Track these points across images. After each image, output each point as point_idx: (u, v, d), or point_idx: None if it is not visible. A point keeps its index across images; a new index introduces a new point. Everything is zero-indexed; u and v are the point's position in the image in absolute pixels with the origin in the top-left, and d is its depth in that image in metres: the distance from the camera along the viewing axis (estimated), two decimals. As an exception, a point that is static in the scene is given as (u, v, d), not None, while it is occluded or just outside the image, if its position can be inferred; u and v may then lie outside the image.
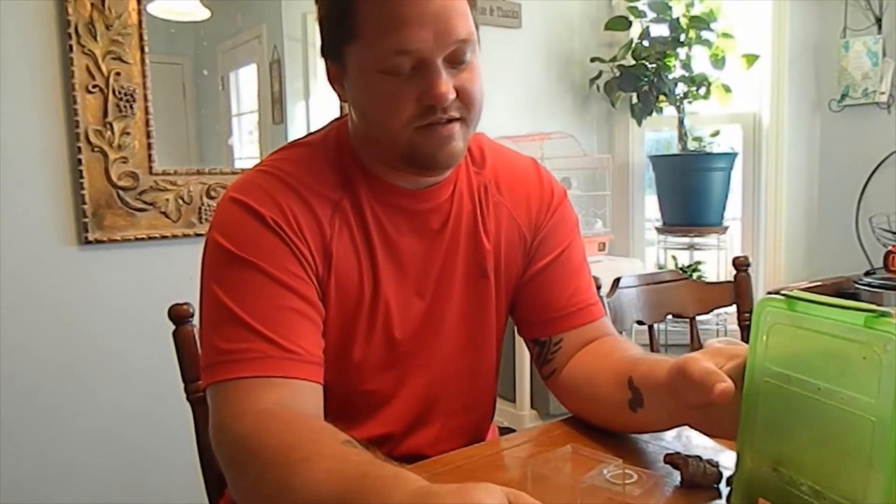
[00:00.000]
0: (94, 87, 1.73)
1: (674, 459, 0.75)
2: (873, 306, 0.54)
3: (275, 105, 2.14)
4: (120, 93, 1.76)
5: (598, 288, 1.34)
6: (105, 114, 1.74)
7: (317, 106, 2.19)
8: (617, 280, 1.50)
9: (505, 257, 0.94)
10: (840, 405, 0.54)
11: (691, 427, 0.76)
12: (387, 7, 0.74)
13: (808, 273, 2.62)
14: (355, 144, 0.87)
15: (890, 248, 1.17)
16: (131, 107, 1.77)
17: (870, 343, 0.52)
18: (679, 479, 0.74)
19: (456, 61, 0.78)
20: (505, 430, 1.00)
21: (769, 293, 1.89)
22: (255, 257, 0.76)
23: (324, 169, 0.84)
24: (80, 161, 1.72)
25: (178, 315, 1.06)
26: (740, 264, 1.60)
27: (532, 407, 2.40)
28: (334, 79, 0.84)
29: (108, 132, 1.75)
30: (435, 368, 0.91)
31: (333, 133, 0.88)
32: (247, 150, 2.13)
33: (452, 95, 0.77)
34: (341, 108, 2.15)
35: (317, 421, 0.72)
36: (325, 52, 0.83)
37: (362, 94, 0.80)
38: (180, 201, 1.87)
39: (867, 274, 2.24)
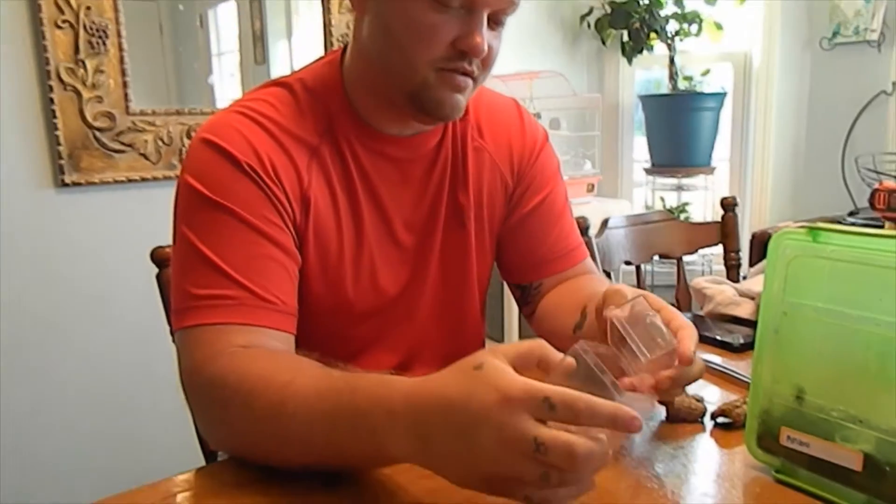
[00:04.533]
0: (64, 21, 1.65)
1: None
2: None
3: (256, 44, 2.07)
4: (91, 28, 1.68)
5: (587, 229, 1.34)
6: (77, 50, 1.68)
7: (300, 45, 2.13)
8: (605, 221, 1.49)
9: (487, 204, 0.93)
10: (879, 331, 0.56)
11: None
12: None
13: (793, 213, 2.63)
14: (348, 81, 0.83)
15: (876, 186, 1.17)
16: (104, 43, 1.71)
17: None
18: (665, 413, 0.75)
19: (496, 21, 0.77)
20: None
21: (754, 234, 1.90)
22: (230, 202, 0.74)
23: (303, 112, 0.81)
24: (52, 100, 1.66)
25: (161, 258, 1.05)
26: (728, 204, 1.60)
27: (519, 347, 2.42)
28: None
29: (81, 70, 1.69)
30: (417, 318, 0.91)
31: (316, 74, 0.85)
32: (229, 92, 2.07)
33: (486, 50, 0.76)
34: (325, 47, 2.09)
35: (291, 353, 0.72)
36: None
37: (397, 15, 0.76)
38: (160, 142, 1.83)
39: (851, 214, 2.25)
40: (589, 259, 1.00)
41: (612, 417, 0.49)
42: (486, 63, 0.79)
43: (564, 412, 0.48)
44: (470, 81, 0.78)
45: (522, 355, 0.53)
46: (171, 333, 0.97)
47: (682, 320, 0.68)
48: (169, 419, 1.66)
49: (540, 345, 0.55)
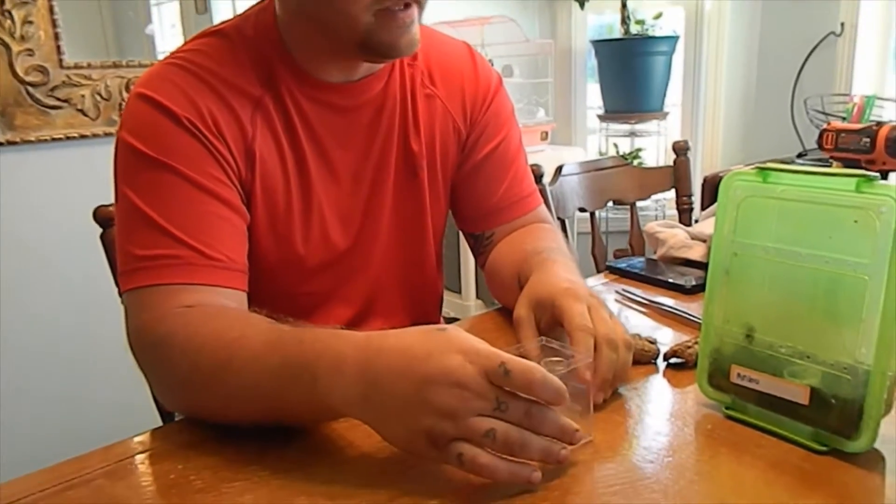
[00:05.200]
0: (-14, -31, 1.55)
1: (614, 339, 0.76)
2: (860, 172, 0.56)
3: (197, -8, 1.98)
4: (16, -25, 1.59)
5: (541, 177, 1.34)
6: (1, 1, 1.58)
7: (242, -8, 2.04)
8: (559, 168, 1.49)
9: (440, 152, 0.91)
10: (827, 268, 0.56)
11: None
12: None
13: (744, 157, 2.67)
14: (284, 32, 0.79)
15: (824, 126, 1.19)
16: (31, -8, 1.61)
17: (863, 207, 0.54)
18: (619, 357, 0.75)
19: None
20: (451, 321, 1.00)
21: (705, 178, 1.92)
22: (172, 159, 0.71)
23: (242, 62, 0.78)
24: (-22, 54, 1.57)
25: (104, 217, 1.02)
26: (679, 148, 1.61)
27: (478, 297, 2.44)
28: None
29: (8, 21, 1.59)
30: (372, 269, 0.90)
31: (251, 21, 0.81)
32: (170, 44, 1.98)
33: None
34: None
35: (240, 310, 0.71)
36: None
37: None
38: (98, 97, 1.75)
39: (800, 156, 2.29)
40: (542, 207, 0.99)
41: (558, 392, 0.51)
42: None
43: (518, 379, 0.50)
44: (414, 11, 0.75)
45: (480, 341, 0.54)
46: (119, 294, 0.94)
47: (576, 323, 0.66)
48: (125, 379, 1.63)
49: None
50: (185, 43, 0.80)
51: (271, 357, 0.58)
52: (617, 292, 0.99)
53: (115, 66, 1.78)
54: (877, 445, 0.55)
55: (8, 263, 1.70)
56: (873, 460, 0.55)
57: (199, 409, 0.65)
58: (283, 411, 0.59)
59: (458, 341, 0.52)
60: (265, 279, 0.80)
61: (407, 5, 0.74)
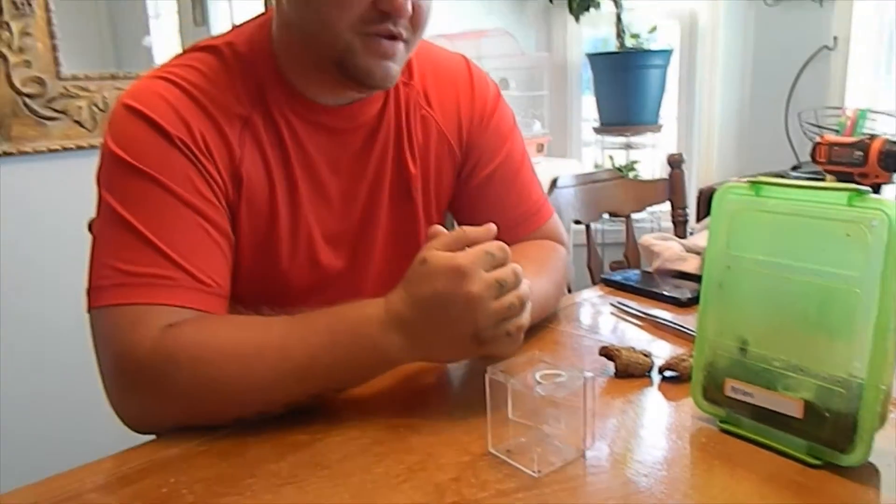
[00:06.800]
0: (-16, -19, 1.56)
1: (608, 351, 0.76)
2: (851, 185, 0.56)
3: (195, 5, 1.99)
4: (13, -12, 1.59)
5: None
6: (0, 12, 1.58)
7: (241, 5, 2.05)
8: (554, 180, 1.50)
9: (434, 175, 0.90)
10: (820, 281, 0.57)
11: None
12: None
13: (738, 169, 2.68)
14: (277, 48, 0.79)
15: (818, 139, 1.19)
16: (29, 4, 1.61)
17: (854, 221, 0.54)
18: (613, 369, 0.76)
19: None
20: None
21: (700, 190, 1.93)
22: (162, 175, 0.70)
23: (233, 80, 0.77)
24: (-24, 66, 1.57)
25: (99, 229, 1.01)
26: (674, 161, 1.62)
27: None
28: None
29: (6, 33, 1.59)
30: (365, 293, 0.88)
31: (245, 37, 0.80)
32: (168, 58, 1.99)
33: (410, 10, 0.72)
34: (266, 6, 2.01)
35: (238, 316, 0.72)
36: None
37: None
38: (95, 109, 1.75)
39: (794, 168, 2.30)
40: (552, 221, 0.96)
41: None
42: (417, 23, 0.75)
43: (498, 253, 0.64)
44: (400, 46, 0.74)
45: (454, 240, 0.65)
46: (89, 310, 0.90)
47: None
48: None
49: (463, 230, 0.66)
50: (176, 56, 0.80)
51: (320, 337, 0.66)
52: (612, 305, 0.99)
53: (113, 77, 1.78)
54: (871, 459, 0.55)
55: (5, 273, 1.70)
56: (867, 474, 0.55)
57: (211, 413, 0.66)
58: (337, 381, 0.68)
59: (445, 263, 0.63)
60: (248, 303, 0.79)
61: (393, 38, 0.73)
